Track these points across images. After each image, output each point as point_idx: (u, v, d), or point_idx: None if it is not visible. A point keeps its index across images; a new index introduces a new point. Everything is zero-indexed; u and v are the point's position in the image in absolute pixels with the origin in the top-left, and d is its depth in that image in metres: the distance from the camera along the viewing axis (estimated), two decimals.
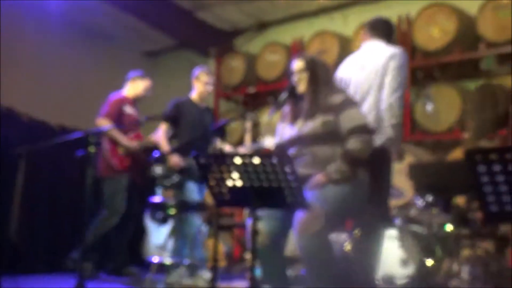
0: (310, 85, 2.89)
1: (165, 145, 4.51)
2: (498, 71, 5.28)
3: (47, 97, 6.09)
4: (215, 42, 7.41)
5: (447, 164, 3.19)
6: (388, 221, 3.30)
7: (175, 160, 4.38)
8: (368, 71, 3.28)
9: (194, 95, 4.75)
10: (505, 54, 5.12)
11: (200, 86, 4.72)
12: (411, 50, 5.56)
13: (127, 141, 4.74)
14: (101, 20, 6.66)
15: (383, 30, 3.49)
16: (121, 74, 4.99)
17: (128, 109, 4.86)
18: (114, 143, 4.72)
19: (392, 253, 3.54)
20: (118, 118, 4.75)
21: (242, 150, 4.27)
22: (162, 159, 4.40)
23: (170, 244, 4.60)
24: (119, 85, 5.03)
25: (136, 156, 4.80)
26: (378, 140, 3.15)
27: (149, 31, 7.03)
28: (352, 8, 6.45)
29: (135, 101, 4.97)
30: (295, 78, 2.94)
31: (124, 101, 4.88)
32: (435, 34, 5.36)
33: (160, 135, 4.58)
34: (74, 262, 4.50)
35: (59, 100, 6.19)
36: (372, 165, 2.94)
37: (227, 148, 4.69)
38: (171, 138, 4.60)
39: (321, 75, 2.91)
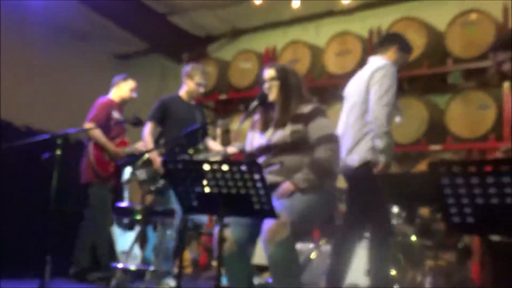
0: (281, 93, 2.92)
1: (149, 144, 4.25)
2: (465, 86, 5.41)
3: (12, 96, 5.95)
4: (188, 47, 7.39)
5: (413, 176, 3.24)
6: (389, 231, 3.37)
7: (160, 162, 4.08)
8: (358, 85, 3.44)
9: (183, 92, 4.51)
10: (471, 69, 5.25)
11: (191, 84, 4.46)
12: None
13: (114, 147, 4.67)
14: (73, 20, 6.56)
15: (380, 43, 3.64)
16: (91, 76, 4.92)
17: (116, 114, 4.79)
18: (101, 148, 4.65)
19: (356, 262, 3.57)
20: (106, 123, 4.68)
21: (231, 149, 4.23)
22: (147, 162, 4.19)
23: (136, 250, 4.55)
24: (89, 87, 4.97)
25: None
26: (356, 155, 3.23)
27: (122, 33, 6.97)
28: (325, 19, 6.53)
29: (121, 106, 4.92)
30: (266, 86, 2.96)
31: (111, 104, 4.81)
32: None
33: (145, 135, 4.32)
34: (101, 279, 4.47)
35: (26, 100, 6.06)
36: (357, 179, 3.03)
37: (217, 147, 4.54)
38: (158, 138, 4.39)
39: (292, 84, 2.94)
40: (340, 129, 3.53)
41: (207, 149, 4.39)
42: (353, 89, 3.52)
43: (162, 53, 7.61)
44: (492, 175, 1.60)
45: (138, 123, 4.43)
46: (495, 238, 2.66)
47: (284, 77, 2.95)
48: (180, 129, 4.11)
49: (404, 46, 3.63)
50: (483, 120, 4.97)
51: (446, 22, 5.29)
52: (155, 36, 7.18)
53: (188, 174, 2.34)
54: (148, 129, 4.34)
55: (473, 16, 5.16)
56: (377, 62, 3.46)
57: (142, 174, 4.16)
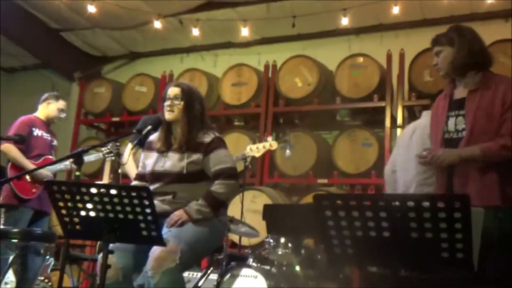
0: (184, 116, 2.81)
1: (134, 171, 3.67)
2: (351, 123, 5.73)
3: None
4: (81, 66, 7.17)
5: (299, 207, 3.35)
6: None
7: None
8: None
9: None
10: (357, 108, 5.58)
11: None
12: (275, 96, 5.85)
13: (32, 167, 4.23)
14: None
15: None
16: None
17: (38, 132, 4.42)
18: (19, 169, 4.24)
19: None
20: (26, 141, 4.30)
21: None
22: None
23: (10, 276, 4.24)
24: None
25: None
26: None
27: (9, 46, 6.61)
28: (223, 50, 6.67)
29: (47, 124, 4.56)
30: (167, 103, 2.83)
31: (33, 122, 4.45)
32: (298, 83, 5.70)
33: (126, 157, 3.77)
34: None
35: None
36: None
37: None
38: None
39: (196, 108, 2.84)
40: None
41: None
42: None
43: (53, 70, 7.30)
44: (370, 209, 1.70)
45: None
46: (373, 269, 2.80)
47: (190, 99, 2.83)
48: None
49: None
50: (366, 157, 5.28)
51: (336, 64, 5.60)
52: (46, 51, 6.89)
53: (72, 197, 2.24)
54: (129, 146, 3.91)
55: (360, 59, 5.52)
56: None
57: None
